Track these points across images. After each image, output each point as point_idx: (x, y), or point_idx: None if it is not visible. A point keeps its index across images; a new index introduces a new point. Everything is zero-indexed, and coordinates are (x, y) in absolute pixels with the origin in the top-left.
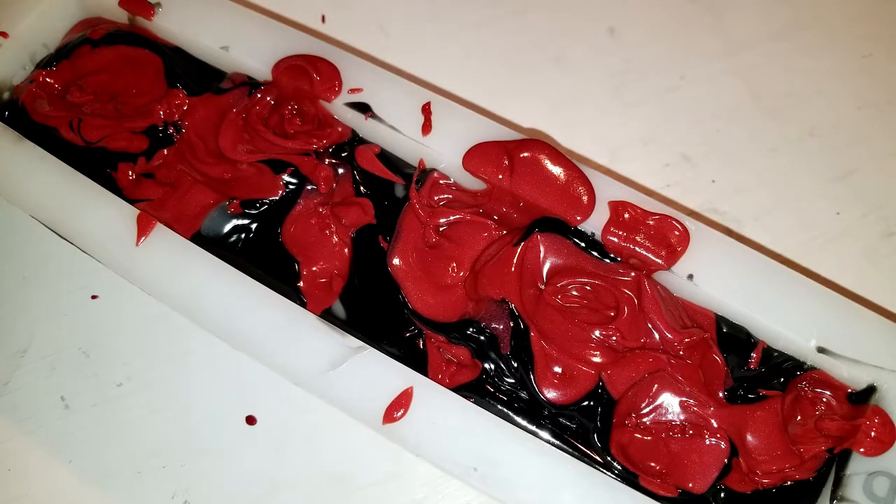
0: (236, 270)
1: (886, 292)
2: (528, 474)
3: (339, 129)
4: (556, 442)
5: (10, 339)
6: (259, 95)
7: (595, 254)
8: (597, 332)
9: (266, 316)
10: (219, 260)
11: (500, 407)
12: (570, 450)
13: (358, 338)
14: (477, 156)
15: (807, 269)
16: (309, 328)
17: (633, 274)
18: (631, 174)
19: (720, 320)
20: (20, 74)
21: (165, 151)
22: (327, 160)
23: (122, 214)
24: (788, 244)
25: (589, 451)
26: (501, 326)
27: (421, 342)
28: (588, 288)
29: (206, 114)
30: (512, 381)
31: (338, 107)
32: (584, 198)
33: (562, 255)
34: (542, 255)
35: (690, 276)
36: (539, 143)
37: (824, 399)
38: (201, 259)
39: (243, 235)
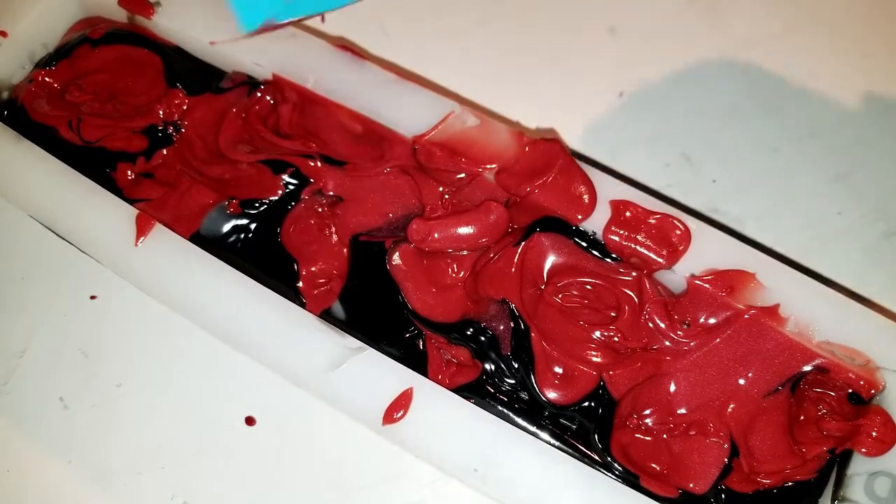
0: (235, 271)
1: (887, 292)
2: (529, 475)
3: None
4: (557, 443)
5: (9, 339)
6: (259, 95)
7: (596, 253)
8: (598, 333)
9: (265, 316)
10: (218, 260)
11: (500, 408)
12: (571, 451)
13: (357, 338)
14: None
15: (807, 268)
16: (308, 328)
17: (634, 273)
18: (631, 174)
19: None
20: (19, 74)
21: (165, 151)
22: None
23: (121, 214)
24: (789, 244)
25: (589, 452)
26: (502, 327)
27: (421, 343)
28: (589, 287)
29: (205, 113)
30: (512, 381)
31: None
32: (585, 197)
33: (563, 254)
34: (542, 254)
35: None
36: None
37: (826, 399)
38: (200, 259)
39: (242, 235)
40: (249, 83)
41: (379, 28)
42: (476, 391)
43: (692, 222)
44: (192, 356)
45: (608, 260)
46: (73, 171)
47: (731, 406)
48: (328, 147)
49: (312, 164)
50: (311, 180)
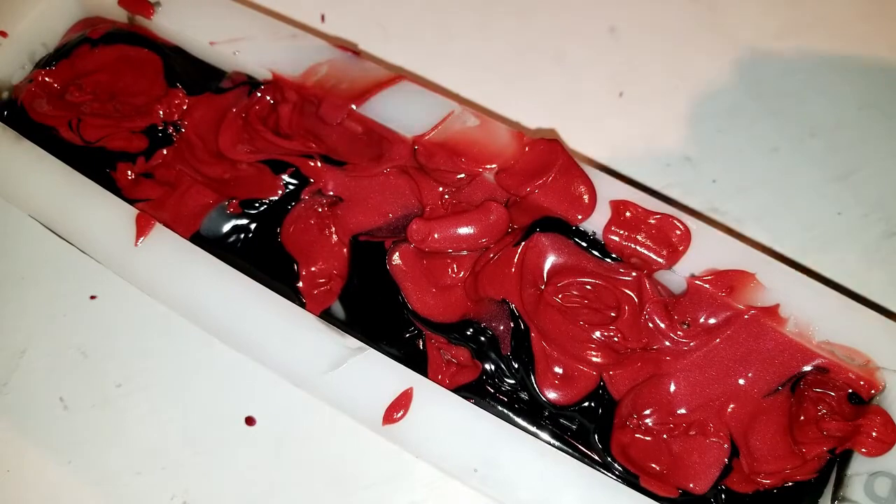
0: (235, 271)
1: (887, 292)
2: (529, 475)
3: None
4: (557, 443)
5: (9, 339)
6: (259, 95)
7: (596, 253)
8: (598, 333)
9: (265, 316)
10: (218, 260)
11: (500, 408)
12: (571, 451)
13: (357, 338)
14: None
15: (807, 268)
16: (308, 329)
17: (634, 273)
18: (631, 174)
19: None
20: (19, 74)
21: (165, 151)
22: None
23: (120, 214)
24: (789, 244)
25: (589, 452)
26: (502, 327)
27: (421, 343)
28: (589, 288)
29: (205, 113)
30: (512, 381)
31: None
32: (585, 196)
33: (563, 254)
34: (542, 254)
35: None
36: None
37: (826, 399)
38: (200, 259)
39: (242, 235)
40: (249, 83)
41: (379, 28)
42: (476, 391)
43: (692, 222)
44: (192, 356)
45: (608, 260)
46: (73, 171)
47: (731, 406)
48: (328, 147)
49: (312, 164)
50: (311, 180)
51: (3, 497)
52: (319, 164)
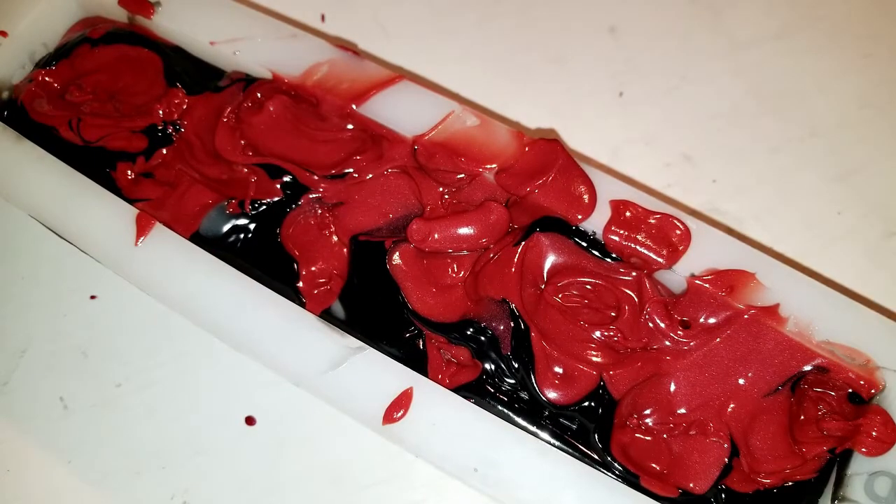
0: (235, 270)
1: (887, 292)
2: (529, 475)
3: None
4: (557, 442)
5: (9, 339)
6: (246, 92)
7: (596, 253)
8: (598, 333)
9: (265, 316)
10: (218, 260)
11: (500, 407)
12: (571, 450)
13: (358, 338)
14: None
15: (808, 268)
16: (308, 328)
17: (634, 273)
18: (632, 174)
19: None
20: (19, 74)
21: (164, 151)
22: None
23: (120, 214)
24: (789, 244)
25: (589, 452)
26: (502, 327)
27: (421, 342)
28: (589, 287)
29: (204, 113)
30: (512, 381)
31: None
32: (585, 196)
33: (563, 254)
34: (542, 254)
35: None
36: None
37: (826, 399)
38: (200, 259)
39: (242, 235)
40: (245, 80)
41: (379, 28)
42: (476, 391)
43: (692, 222)
44: (192, 356)
45: (608, 260)
46: (73, 171)
47: (732, 406)
48: (319, 161)
49: (309, 174)
50: (310, 188)
51: (3, 497)
52: (316, 176)
